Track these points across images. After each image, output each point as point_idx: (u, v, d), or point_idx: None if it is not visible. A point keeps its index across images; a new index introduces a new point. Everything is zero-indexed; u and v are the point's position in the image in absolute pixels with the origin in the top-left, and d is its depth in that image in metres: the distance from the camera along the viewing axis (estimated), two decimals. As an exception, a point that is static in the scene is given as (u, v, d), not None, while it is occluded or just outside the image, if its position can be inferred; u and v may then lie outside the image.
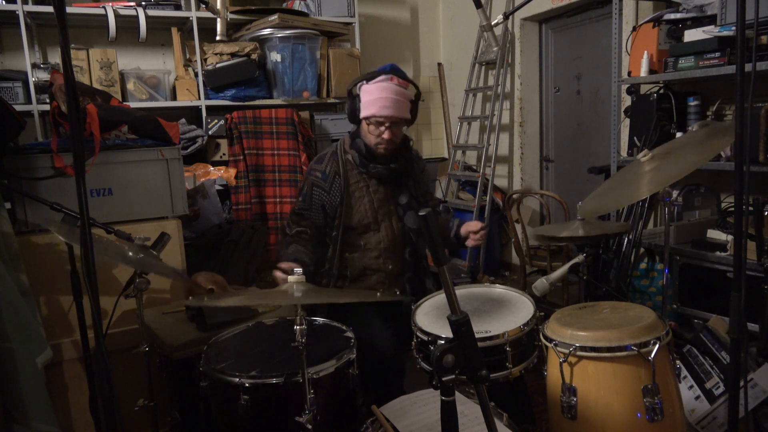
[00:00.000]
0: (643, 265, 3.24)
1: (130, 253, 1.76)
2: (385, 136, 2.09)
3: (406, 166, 2.26)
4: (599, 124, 4.04)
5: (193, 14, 3.70)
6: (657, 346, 1.60)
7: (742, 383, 1.63)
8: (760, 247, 2.16)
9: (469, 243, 2.17)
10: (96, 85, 3.43)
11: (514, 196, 3.74)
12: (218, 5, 1.76)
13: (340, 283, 2.22)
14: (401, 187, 2.25)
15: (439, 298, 2.02)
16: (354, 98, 2.13)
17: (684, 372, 2.27)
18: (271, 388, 1.56)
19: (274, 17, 3.71)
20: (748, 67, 1.36)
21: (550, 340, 1.71)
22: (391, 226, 2.24)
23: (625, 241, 3.13)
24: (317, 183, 2.19)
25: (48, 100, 3.14)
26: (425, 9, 5.18)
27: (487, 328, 1.73)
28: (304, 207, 2.21)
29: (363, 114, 2.10)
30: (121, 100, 3.48)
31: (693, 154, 1.75)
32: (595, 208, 1.93)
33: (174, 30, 3.81)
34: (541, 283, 2.07)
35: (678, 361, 1.76)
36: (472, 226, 2.18)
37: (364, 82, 2.10)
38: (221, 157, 3.77)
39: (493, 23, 1.92)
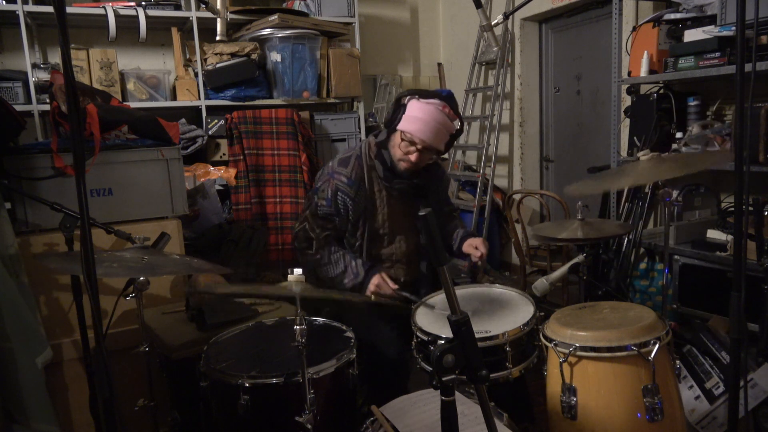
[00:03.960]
0: (643, 265, 3.24)
1: (132, 264, 1.71)
2: (413, 158, 2.04)
3: (429, 181, 2.22)
4: (599, 124, 4.04)
5: (193, 14, 3.70)
6: (657, 346, 1.60)
7: (742, 383, 1.63)
8: (760, 247, 2.16)
9: (472, 259, 2.17)
10: (96, 85, 3.43)
11: (515, 196, 3.74)
12: (218, 5, 1.76)
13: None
14: (422, 201, 2.19)
15: (439, 298, 2.02)
16: (400, 107, 2.04)
17: (684, 372, 2.27)
18: (271, 388, 1.56)
19: (274, 17, 3.71)
20: (748, 67, 1.36)
21: (550, 340, 1.71)
22: (407, 238, 2.21)
23: (625, 241, 3.13)
24: (342, 188, 2.11)
25: (48, 100, 3.14)
26: (425, 9, 5.18)
27: (487, 328, 1.73)
28: (330, 212, 2.12)
29: (401, 126, 2.02)
30: (121, 100, 3.48)
31: (690, 161, 1.75)
32: (579, 190, 1.94)
33: (174, 30, 3.81)
34: (541, 283, 2.07)
35: (678, 361, 1.76)
36: (476, 244, 2.16)
37: (417, 96, 2.02)
38: (221, 157, 3.77)
39: (493, 23, 1.92)
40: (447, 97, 2.04)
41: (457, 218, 2.45)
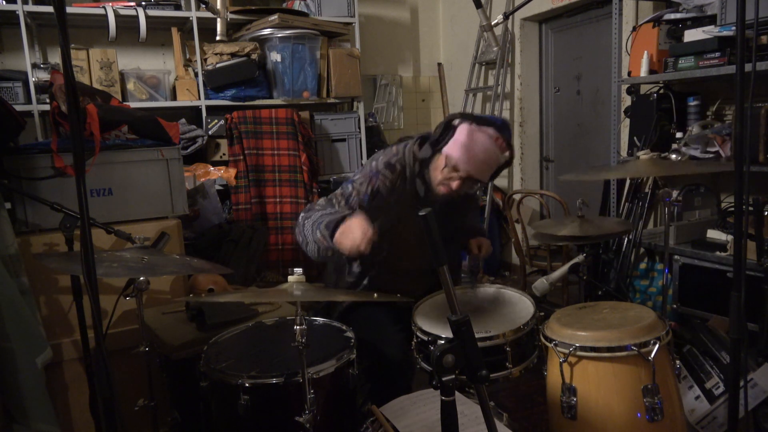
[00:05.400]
0: (643, 265, 3.24)
1: (132, 264, 1.71)
2: (453, 185, 1.92)
3: (462, 205, 2.16)
4: (599, 124, 4.04)
5: (193, 14, 3.70)
6: (657, 346, 1.60)
7: (742, 383, 1.63)
8: (760, 247, 2.16)
9: (471, 253, 2.16)
10: (96, 85, 3.43)
11: (515, 196, 3.74)
12: (218, 5, 1.76)
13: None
14: (448, 220, 2.10)
15: (439, 298, 2.02)
16: (449, 129, 1.91)
17: (684, 372, 2.27)
18: (271, 388, 1.56)
19: (274, 17, 3.72)
20: (748, 67, 1.36)
21: (550, 340, 1.71)
22: (423, 258, 2.07)
23: (625, 241, 3.13)
24: (383, 192, 1.99)
25: (48, 100, 3.14)
26: (425, 9, 5.18)
27: (487, 328, 1.73)
28: (358, 203, 1.98)
29: (447, 150, 1.89)
30: (121, 100, 3.48)
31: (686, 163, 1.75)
32: (571, 177, 1.94)
33: (174, 30, 3.81)
34: (541, 283, 2.08)
35: (678, 361, 1.76)
36: (480, 243, 2.16)
37: (470, 122, 1.89)
38: (221, 157, 3.78)
39: (493, 23, 1.93)
40: (501, 127, 1.92)
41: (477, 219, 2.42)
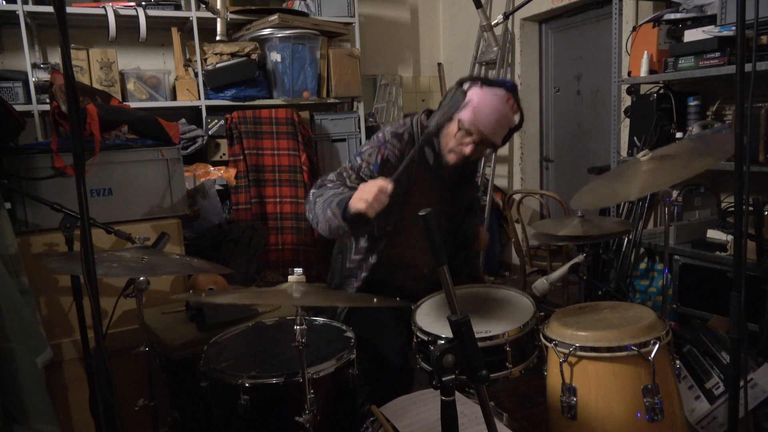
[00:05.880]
0: (643, 265, 3.24)
1: (132, 264, 1.72)
2: (467, 150, 1.89)
3: (470, 173, 2.17)
4: (599, 124, 4.04)
5: (193, 14, 3.71)
6: (657, 346, 1.60)
7: (742, 383, 1.63)
8: (760, 247, 2.16)
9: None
10: (96, 85, 3.43)
11: (515, 196, 3.74)
12: (218, 5, 1.76)
13: (368, 275, 2.07)
14: (456, 192, 2.11)
15: (439, 298, 2.02)
16: (460, 93, 1.87)
17: (684, 372, 2.27)
18: (271, 388, 1.56)
19: (274, 17, 3.72)
20: (748, 67, 1.36)
21: (550, 340, 1.71)
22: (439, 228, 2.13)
23: (625, 241, 3.13)
24: (392, 161, 1.95)
25: (48, 100, 3.14)
26: (425, 9, 5.18)
27: (487, 328, 1.73)
28: (369, 174, 1.93)
29: (460, 115, 1.86)
30: (121, 100, 3.48)
31: (692, 160, 1.75)
32: (588, 202, 1.92)
33: (174, 30, 3.81)
34: (541, 283, 2.07)
35: (678, 361, 1.76)
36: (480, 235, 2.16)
37: (480, 84, 1.86)
38: (221, 157, 3.78)
39: (493, 23, 1.93)
40: (511, 88, 1.89)
41: (478, 214, 2.40)
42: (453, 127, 1.89)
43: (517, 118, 1.92)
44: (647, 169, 1.81)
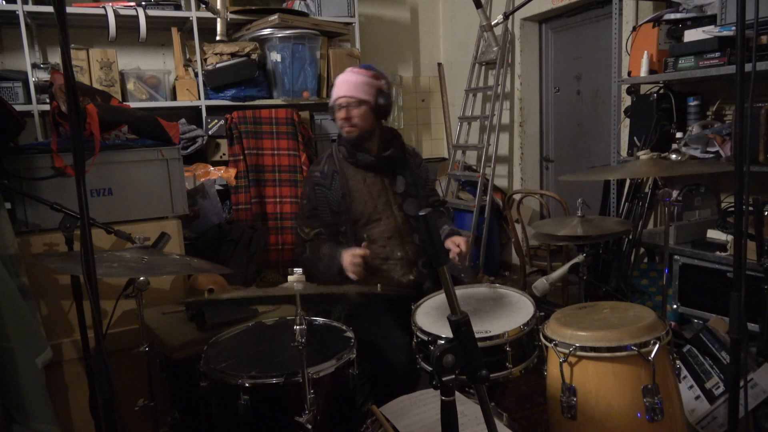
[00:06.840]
0: (643, 265, 3.24)
1: (132, 264, 1.71)
2: (342, 114, 2.16)
3: (398, 156, 2.29)
4: (599, 124, 4.04)
5: (193, 14, 3.70)
6: (657, 346, 1.60)
7: (742, 383, 1.63)
8: (760, 247, 2.16)
9: (450, 254, 2.15)
10: (96, 85, 3.43)
11: (515, 196, 3.74)
12: (218, 5, 1.76)
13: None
14: (397, 177, 2.29)
15: (439, 298, 2.02)
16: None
17: (684, 372, 2.27)
18: (271, 388, 1.56)
19: (274, 17, 3.71)
20: (748, 67, 1.36)
21: (550, 340, 1.71)
22: (393, 215, 2.26)
23: (625, 241, 3.13)
24: (318, 182, 2.25)
25: (48, 100, 3.14)
26: (425, 9, 5.18)
27: (487, 328, 1.73)
28: (311, 207, 2.25)
29: (330, 102, 2.21)
30: (121, 100, 3.48)
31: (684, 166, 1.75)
32: (572, 177, 1.94)
33: (174, 30, 3.81)
34: (541, 283, 2.07)
35: (678, 361, 1.76)
36: (458, 242, 2.15)
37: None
38: (221, 157, 3.77)
39: (493, 23, 1.93)
40: (363, 67, 2.22)
41: (446, 215, 2.48)
42: (336, 114, 2.20)
43: (376, 78, 2.18)
44: (641, 164, 1.81)
